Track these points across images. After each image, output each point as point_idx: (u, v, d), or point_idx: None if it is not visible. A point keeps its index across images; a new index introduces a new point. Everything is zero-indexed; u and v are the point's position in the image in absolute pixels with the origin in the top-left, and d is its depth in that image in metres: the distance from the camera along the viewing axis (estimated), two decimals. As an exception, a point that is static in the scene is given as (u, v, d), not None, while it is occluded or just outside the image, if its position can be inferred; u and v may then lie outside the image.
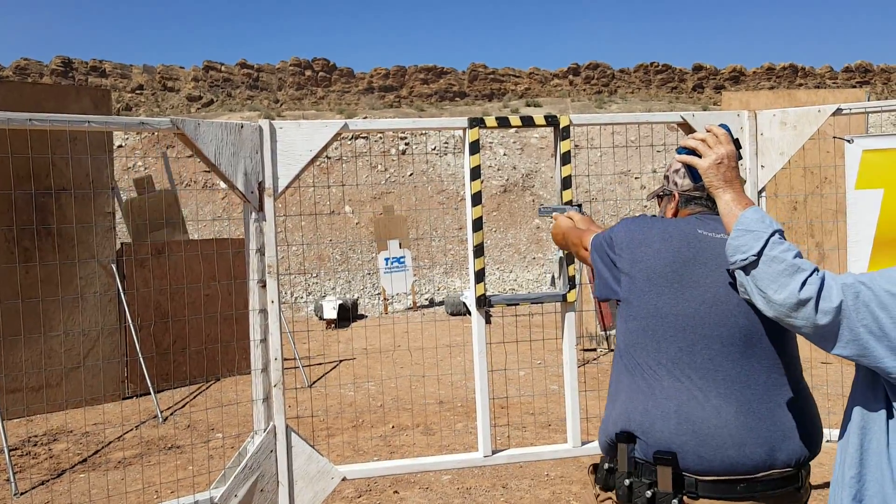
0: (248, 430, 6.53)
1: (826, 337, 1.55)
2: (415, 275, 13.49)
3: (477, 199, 3.65)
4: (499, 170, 17.01)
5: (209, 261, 8.02)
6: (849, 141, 3.66)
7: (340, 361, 9.24)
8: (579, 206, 3.00)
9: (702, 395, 1.88)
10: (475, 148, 3.61)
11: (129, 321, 7.22)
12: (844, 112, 3.68)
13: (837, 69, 67.31)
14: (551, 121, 3.69)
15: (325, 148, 3.57)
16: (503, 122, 3.70)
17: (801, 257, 1.59)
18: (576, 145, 18.23)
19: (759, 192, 3.87)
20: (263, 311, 3.51)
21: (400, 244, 12.75)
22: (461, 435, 6.13)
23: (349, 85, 63.30)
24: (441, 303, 13.88)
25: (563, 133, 3.67)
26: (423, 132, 17.46)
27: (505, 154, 16.69)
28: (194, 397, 7.70)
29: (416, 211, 15.05)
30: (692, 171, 1.92)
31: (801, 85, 63.95)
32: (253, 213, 3.44)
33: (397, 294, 13.43)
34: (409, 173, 16.29)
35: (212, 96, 60.53)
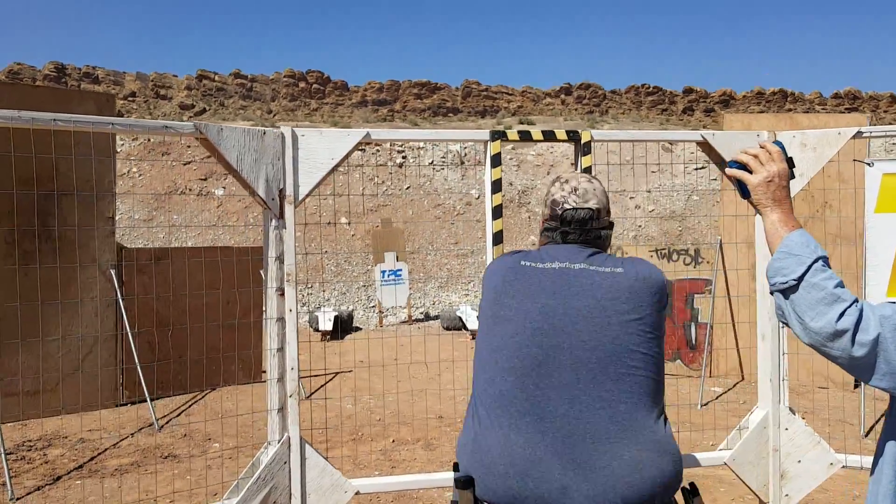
0: (245, 440, 6.46)
1: (862, 368, 1.52)
2: (410, 288, 13.45)
3: (497, 212, 3.63)
4: (495, 186, 17.06)
5: (209, 269, 7.96)
6: (869, 164, 3.67)
7: (337, 374, 9.17)
8: None
9: (496, 425, 1.86)
10: (497, 161, 3.60)
11: (127, 327, 7.13)
12: (865, 135, 3.70)
13: (826, 95, 68.16)
14: (573, 136, 3.68)
15: (347, 156, 3.54)
16: (525, 136, 3.69)
17: (843, 287, 1.56)
18: (571, 163, 18.31)
19: (778, 214, 3.87)
20: (281, 320, 3.45)
21: (397, 257, 12.72)
22: (463, 451, 6.07)
23: (343, 98, 63.43)
24: (436, 317, 13.83)
25: (584, 149, 3.67)
26: (422, 146, 17.49)
27: (501, 170, 16.69)
28: (190, 406, 7.60)
29: (413, 224, 15.03)
30: (741, 186, 1.88)
31: (790, 110, 64.66)
32: (273, 221, 3.40)
33: (392, 307, 13.38)
34: (406, 186, 16.29)
35: (204, 105, 60.51)
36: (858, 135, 3.68)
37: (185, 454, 6.09)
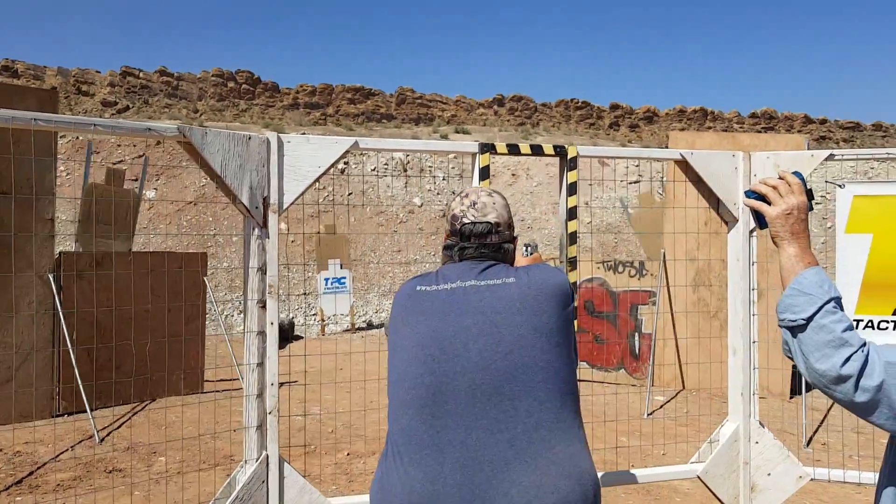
0: (192, 454, 6.22)
1: (864, 410, 1.51)
2: (352, 296, 13.27)
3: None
4: (438, 194, 17.06)
5: (151, 275, 7.65)
6: (840, 186, 3.80)
7: (282, 384, 8.94)
8: (525, 245, 2.94)
9: (399, 461, 1.79)
10: (485, 174, 3.57)
11: (66, 335, 6.77)
12: (837, 158, 3.82)
13: (744, 114, 71.15)
14: (559, 151, 3.69)
15: (334, 165, 3.44)
16: (513, 150, 3.67)
17: (853, 330, 1.53)
18: (513, 174, 18.47)
19: (751, 232, 3.97)
20: (262, 334, 3.32)
21: (341, 265, 12.52)
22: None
23: (273, 99, 62.47)
24: (380, 325, 13.70)
25: (570, 164, 3.67)
26: (363, 153, 17.35)
27: (444, 179, 16.77)
28: (130, 418, 7.27)
29: (355, 232, 14.85)
30: (758, 217, 1.84)
31: (710, 127, 67.16)
32: (256, 230, 3.27)
33: (334, 315, 13.17)
34: (348, 193, 16.09)
35: (128, 102, 58.68)
36: (831, 157, 3.81)
37: (130, 468, 5.82)
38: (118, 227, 8.19)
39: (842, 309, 1.57)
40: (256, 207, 3.25)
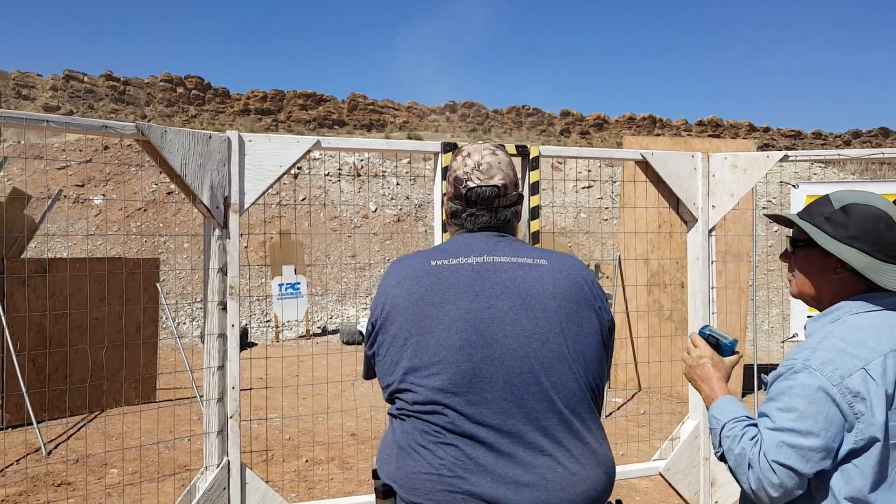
0: (147, 464, 6.06)
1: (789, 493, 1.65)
2: (307, 302, 13.11)
3: (446, 226, 3.58)
4: (392, 199, 16.98)
5: (100, 282, 7.44)
6: (794, 186, 3.89)
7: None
8: None
9: (423, 442, 1.75)
10: (447, 173, 3.55)
11: (9, 344, 6.53)
12: (791, 159, 3.91)
13: (692, 122, 72.79)
14: (522, 151, 3.70)
15: (295, 164, 3.39)
16: (477, 149, 3.66)
17: (745, 437, 1.71)
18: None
19: (710, 231, 4.04)
20: (223, 336, 3.24)
21: (295, 270, 12.36)
22: (382, 468, 5.94)
23: (224, 105, 61.63)
24: (335, 331, 13.55)
25: (532, 163, 3.69)
26: (318, 158, 17.19)
27: (398, 184, 16.70)
28: (79, 429, 7.04)
29: (308, 237, 14.68)
30: None
31: (658, 134, 68.57)
32: (216, 230, 3.20)
33: (289, 321, 12.99)
34: (301, 198, 15.91)
35: (71, 107, 57.31)
36: (785, 158, 3.90)
37: (80, 482, 5.63)
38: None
39: (739, 422, 1.76)
40: (217, 207, 3.18)
